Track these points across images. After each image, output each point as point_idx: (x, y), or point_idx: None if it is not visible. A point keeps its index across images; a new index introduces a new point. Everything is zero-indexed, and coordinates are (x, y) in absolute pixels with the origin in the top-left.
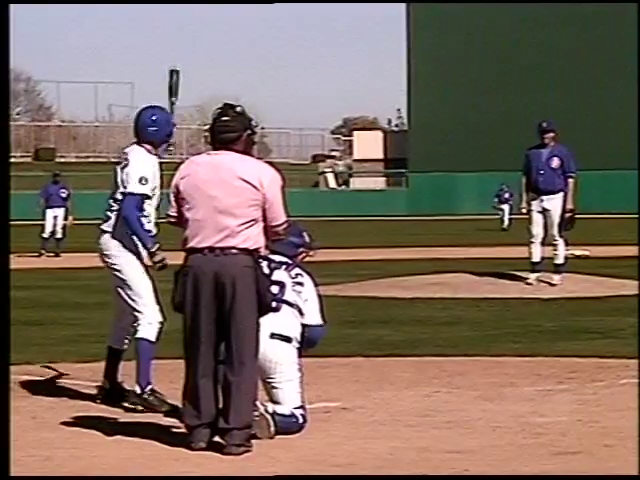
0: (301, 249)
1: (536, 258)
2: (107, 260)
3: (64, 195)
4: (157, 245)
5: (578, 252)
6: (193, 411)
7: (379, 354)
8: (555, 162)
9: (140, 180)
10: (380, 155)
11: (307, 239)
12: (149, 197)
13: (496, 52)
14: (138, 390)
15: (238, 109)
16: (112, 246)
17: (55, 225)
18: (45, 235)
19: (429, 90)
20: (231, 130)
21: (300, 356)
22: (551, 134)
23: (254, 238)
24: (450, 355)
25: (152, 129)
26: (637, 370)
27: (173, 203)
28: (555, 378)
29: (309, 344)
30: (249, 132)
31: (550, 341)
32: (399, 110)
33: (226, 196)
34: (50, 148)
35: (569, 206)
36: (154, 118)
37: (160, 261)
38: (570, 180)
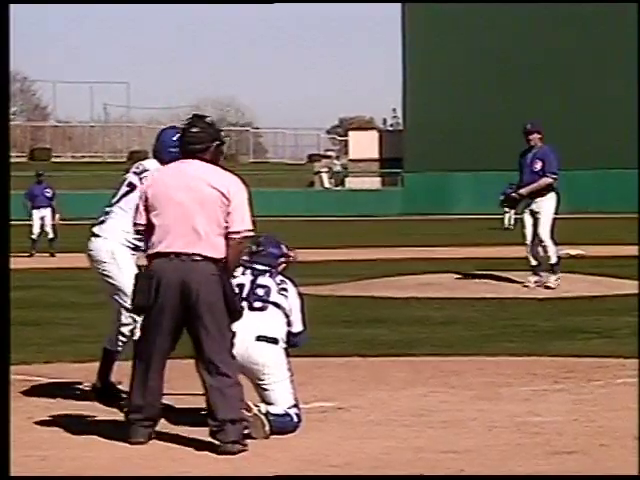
0: (281, 259)
1: (534, 261)
2: (97, 267)
3: (49, 195)
4: None
5: (573, 252)
6: (136, 405)
7: (375, 354)
8: (537, 164)
9: None
10: (375, 155)
11: (285, 249)
12: None
13: (492, 52)
14: None
15: (208, 120)
16: (103, 253)
17: (44, 226)
18: (34, 236)
19: (425, 90)
20: (199, 141)
21: (289, 356)
22: (535, 135)
23: (220, 247)
24: (446, 355)
25: (173, 150)
26: (634, 369)
27: (142, 211)
28: (551, 378)
29: (294, 347)
30: (217, 143)
31: (546, 341)
32: (394, 110)
33: (193, 202)
34: (46, 148)
35: (521, 190)
36: (175, 138)
37: None
38: (544, 179)
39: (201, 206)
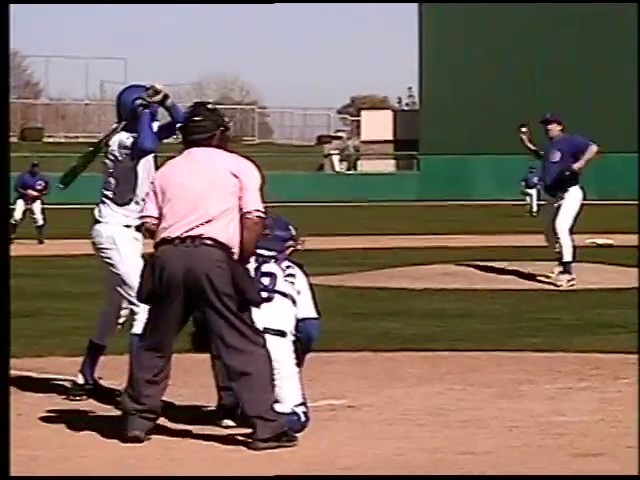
0: (289, 242)
1: (566, 258)
2: (100, 253)
3: (40, 187)
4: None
5: (601, 241)
6: (139, 395)
7: (388, 348)
8: (556, 156)
9: None
10: (390, 136)
11: (294, 232)
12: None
13: (514, 27)
14: None
15: (209, 106)
16: (105, 238)
17: (29, 213)
18: (13, 221)
19: (442, 67)
20: (204, 130)
21: (297, 353)
22: (554, 125)
23: (231, 233)
24: (464, 350)
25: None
26: None
27: (152, 203)
28: (576, 375)
29: (307, 341)
30: (222, 129)
31: (570, 335)
32: (410, 88)
33: (202, 182)
34: (37, 127)
35: (574, 165)
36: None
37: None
38: (590, 147)
39: (212, 189)
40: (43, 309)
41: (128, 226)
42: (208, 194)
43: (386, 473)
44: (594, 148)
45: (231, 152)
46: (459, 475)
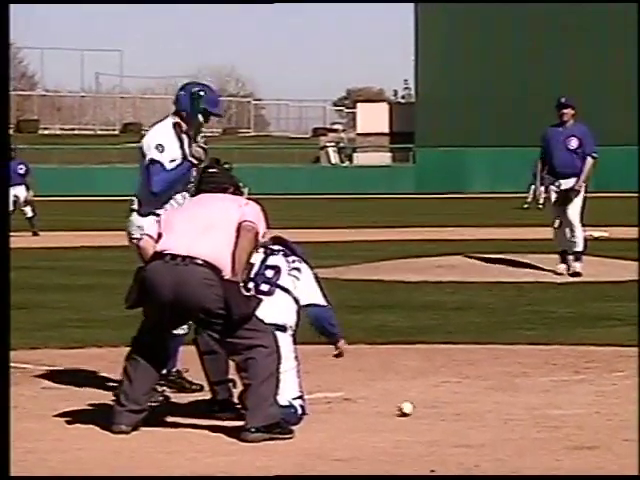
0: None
1: (563, 246)
2: (131, 242)
3: (22, 171)
4: (188, 156)
5: (597, 234)
6: (124, 393)
7: (384, 341)
8: (574, 142)
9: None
10: (385, 129)
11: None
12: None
13: (511, 17)
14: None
15: (227, 165)
16: (134, 229)
17: (17, 204)
18: None
19: (438, 59)
20: (219, 182)
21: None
22: (569, 110)
23: (224, 260)
24: (460, 343)
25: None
26: None
27: (155, 227)
28: (571, 368)
29: (317, 324)
30: (235, 189)
31: (566, 328)
32: (406, 81)
33: (206, 215)
34: (33, 120)
35: (576, 185)
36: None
37: (202, 151)
38: (589, 160)
39: (213, 220)
40: (39, 302)
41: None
42: (210, 224)
43: (382, 465)
44: (591, 162)
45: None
46: (458, 475)
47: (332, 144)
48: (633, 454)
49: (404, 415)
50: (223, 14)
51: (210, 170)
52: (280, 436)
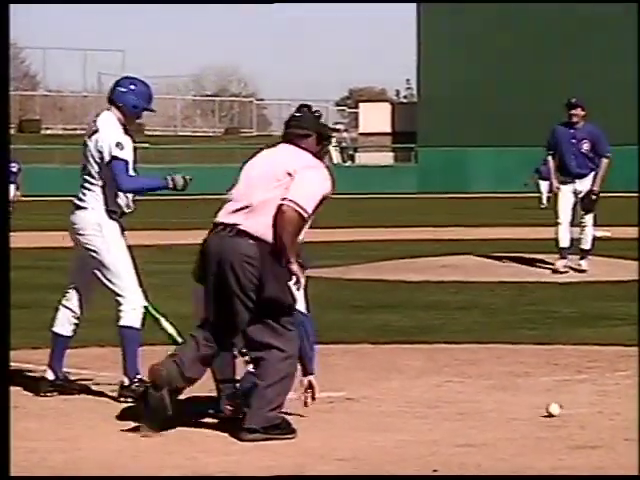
0: None
1: (565, 243)
2: (82, 240)
3: (14, 169)
4: (169, 178)
5: (599, 233)
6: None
7: (386, 341)
8: (586, 146)
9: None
10: (388, 128)
11: None
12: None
13: (513, 17)
14: (126, 381)
15: (315, 111)
16: (89, 225)
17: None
18: None
19: (440, 59)
20: (300, 126)
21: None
22: (579, 110)
23: (266, 226)
24: (462, 342)
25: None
26: None
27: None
28: (574, 367)
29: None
30: (319, 136)
31: (569, 328)
32: (408, 81)
33: (258, 172)
34: (35, 119)
35: (595, 187)
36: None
37: (183, 183)
38: (604, 161)
39: (265, 181)
40: (40, 301)
41: (114, 212)
42: (259, 188)
43: (384, 465)
44: (607, 162)
45: (318, 158)
46: (460, 475)
47: (334, 144)
48: (636, 454)
49: (551, 416)
50: (225, 14)
51: (296, 115)
52: (279, 437)
